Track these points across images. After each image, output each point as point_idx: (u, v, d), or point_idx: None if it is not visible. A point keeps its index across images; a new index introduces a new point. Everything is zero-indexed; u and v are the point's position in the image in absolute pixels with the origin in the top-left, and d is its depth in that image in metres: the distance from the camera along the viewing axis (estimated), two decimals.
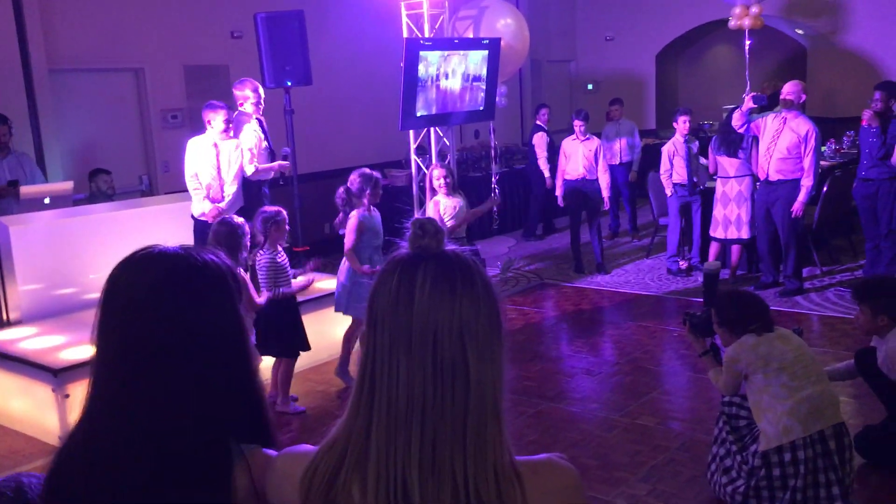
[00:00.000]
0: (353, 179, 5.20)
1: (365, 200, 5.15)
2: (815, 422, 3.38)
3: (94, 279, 5.81)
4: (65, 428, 4.51)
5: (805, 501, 3.36)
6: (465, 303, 1.09)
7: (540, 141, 9.48)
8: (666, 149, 7.67)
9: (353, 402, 1.13)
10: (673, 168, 7.58)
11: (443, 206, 5.97)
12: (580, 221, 8.12)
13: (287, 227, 4.94)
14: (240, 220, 4.57)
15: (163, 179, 8.07)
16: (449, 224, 5.91)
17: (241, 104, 6.41)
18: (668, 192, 7.64)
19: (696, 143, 7.73)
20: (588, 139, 7.98)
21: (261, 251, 4.81)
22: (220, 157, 6.01)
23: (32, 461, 4.44)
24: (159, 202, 6.58)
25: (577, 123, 7.99)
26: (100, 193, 7.01)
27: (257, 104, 6.41)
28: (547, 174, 9.19)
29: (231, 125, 6.03)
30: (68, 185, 6.47)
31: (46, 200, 6.07)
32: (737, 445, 3.60)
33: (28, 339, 5.18)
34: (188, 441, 1.25)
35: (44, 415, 4.69)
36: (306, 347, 5.01)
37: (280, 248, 4.90)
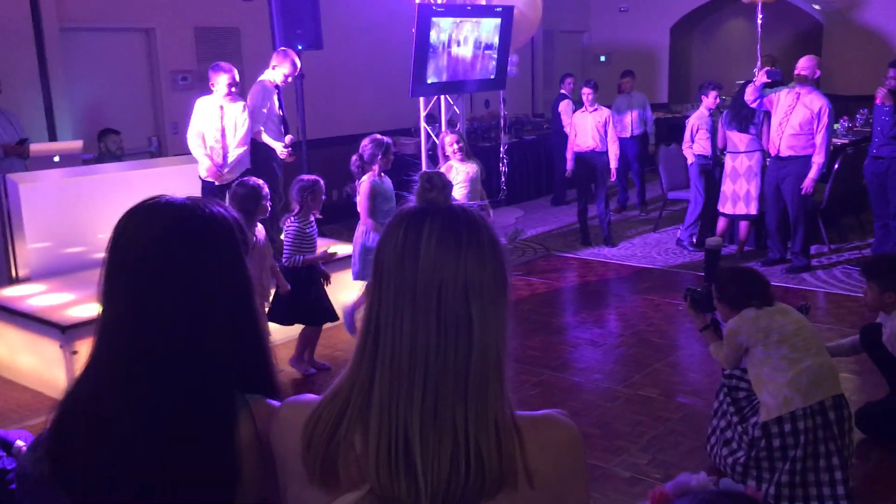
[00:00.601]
0: (365, 145, 5.18)
1: (376, 167, 5.14)
2: (814, 393, 3.40)
3: (102, 238, 5.72)
4: (66, 389, 4.55)
5: (805, 472, 3.38)
6: (470, 258, 1.09)
7: (566, 108, 9.58)
8: (690, 122, 7.60)
9: (357, 354, 1.14)
10: (695, 142, 7.52)
11: (455, 171, 5.96)
12: (588, 193, 8.09)
13: (323, 196, 4.91)
14: (259, 181, 4.54)
15: (172, 141, 8.06)
16: (463, 190, 5.91)
17: (274, 67, 6.35)
18: (690, 160, 7.59)
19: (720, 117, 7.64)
20: (597, 109, 7.89)
21: (291, 217, 4.81)
22: (225, 119, 5.98)
23: (39, 416, 4.49)
24: (169, 163, 6.58)
25: (586, 91, 7.90)
26: (108, 153, 7.01)
27: (287, 76, 6.34)
28: None
29: (235, 89, 5.98)
30: (78, 144, 6.48)
31: (56, 159, 6.09)
32: (737, 417, 3.62)
33: (37, 296, 5.22)
34: (193, 391, 1.26)
35: (52, 370, 4.74)
36: (333, 318, 5.01)
37: (312, 219, 4.88)
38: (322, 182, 4.91)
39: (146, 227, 1.30)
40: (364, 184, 5.12)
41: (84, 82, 7.55)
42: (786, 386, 3.40)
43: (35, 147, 6.18)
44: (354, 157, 5.20)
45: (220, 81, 5.89)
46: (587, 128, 7.87)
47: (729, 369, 3.72)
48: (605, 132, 7.85)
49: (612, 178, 8.03)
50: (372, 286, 1.14)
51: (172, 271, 1.27)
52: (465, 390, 1.08)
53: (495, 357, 1.10)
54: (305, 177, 4.93)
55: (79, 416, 1.31)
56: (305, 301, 4.84)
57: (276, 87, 6.39)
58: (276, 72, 6.32)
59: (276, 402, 1.33)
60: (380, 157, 5.11)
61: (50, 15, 7.06)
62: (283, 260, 4.82)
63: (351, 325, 5.26)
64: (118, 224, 1.33)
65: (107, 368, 1.30)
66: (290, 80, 6.42)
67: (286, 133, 6.56)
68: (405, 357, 1.08)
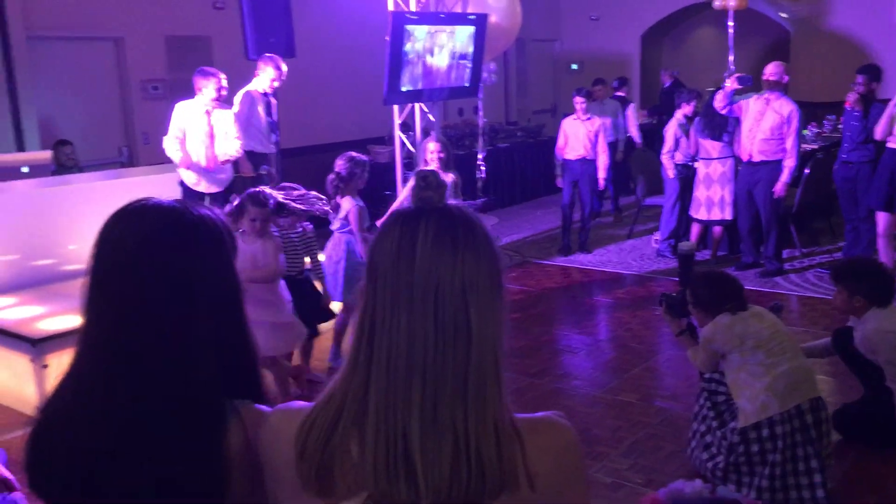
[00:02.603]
0: (343, 165, 5.07)
1: (355, 186, 5.10)
2: (792, 397, 3.42)
3: (73, 250, 5.73)
4: (43, 398, 4.46)
5: (784, 476, 3.40)
6: (467, 257, 1.07)
7: (633, 112, 9.88)
8: (671, 129, 7.57)
9: (352, 358, 1.11)
10: (678, 150, 7.51)
11: None
12: (573, 202, 8.03)
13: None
14: (272, 192, 4.43)
15: (143, 151, 7.96)
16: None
17: (258, 74, 6.28)
18: (671, 173, 7.55)
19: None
20: (589, 119, 7.85)
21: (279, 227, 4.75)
22: (214, 124, 5.89)
23: (10, 431, 4.39)
24: (140, 173, 6.50)
25: (579, 100, 7.81)
26: (60, 166, 6.82)
27: (273, 81, 6.26)
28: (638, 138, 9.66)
29: (224, 93, 5.90)
30: (46, 155, 6.39)
31: (25, 169, 5.98)
32: (717, 422, 3.63)
33: (6, 310, 5.10)
34: (181, 397, 1.23)
35: (22, 385, 4.63)
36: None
37: (299, 227, 4.87)
38: (302, 189, 4.84)
39: (133, 230, 1.27)
40: (353, 207, 5.01)
41: (52, 92, 7.44)
42: (763, 392, 3.41)
43: (2, 157, 6.07)
44: (331, 176, 5.11)
45: (209, 86, 5.79)
46: (579, 136, 7.80)
47: (708, 374, 3.74)
48: (596, 141, 7.84)
49: (601, 187, 8.03)
50: (366, 288, 1.11)
51: (159, 276, 1.25)
52: (464, 393, 1.06)
53: (493, 359, 1.09)
54: (286, 185, 4.88)
55: (59, 427, 1.28)
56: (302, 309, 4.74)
57: (265, 94, 6.33)
58: (262, 78, 6.27)
59: (265, 408, 1.31)
60: (358, 174, 5.07)
61: (17, 23, 6.96)
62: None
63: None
64: (104, 227, 1.30)
65: (89, 377, 1.27)
66: (277, 84, 6.35)
67: (275, 140, 6.52)
68: (402, 360, 1.06)
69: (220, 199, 5.95)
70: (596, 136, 7.83)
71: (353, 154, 5.14)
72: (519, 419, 1.12)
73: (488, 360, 1.08)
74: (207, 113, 5.85)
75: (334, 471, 1.08)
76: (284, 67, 6.35)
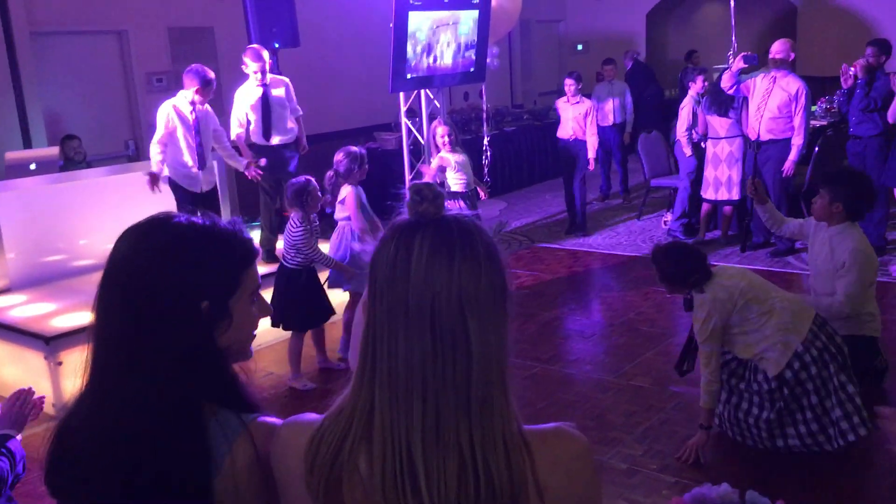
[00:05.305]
0: (340, 160, 5.13)
1: (352, 180, 5.13)
2: (801, 323, 3.57)
3: (83, 245, 5.75)
4: (58, 395, 4.50)
5: (822, 403, 3.52)
6: (464, 269, 1.05)
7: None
8: (686, 108, 7.51)
9: (358, 374, 1.11)
10: (695, 126, 7.43)
11: (451, 161, 6.13)
12: (573, 182, 8.05)
13: (319, 194, 4.89)
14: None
15: (149, 144, 7.94)
16: (463, 177, 6.26)
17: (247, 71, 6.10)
18: (688, 152, 7.49)
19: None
20: (579, 102, 7.88)
21: (293, 222, 4.76)
22: (199, 122, 5.73)
23: (28, 429, 4.42)
24: (146, 168, 6.47)
25: (569, 82, 7.91)
26: (68, 160, 6.81)
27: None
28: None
29: (207, 96, 5.69)
30: (54, 151, 6.39)
31: (32, 166, 5.98)
32: (735, 379, 3.73)
33: (19, 307, 5.15)
34: (157, 409, 1.22)
35: (36, 382, 4.58)
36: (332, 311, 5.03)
37: (315, 219, 4.92)
38: (314, 181, 4.88)
39: (122, 247, 1.30)
40: (350, 196, 5.08)
41: (57, 87, 7.44)
42: (777, 333, 3.54)
43: (11, 155, 6.08)
44: (329, 173, 5.17)
45: (190, 90, 5.60)
46: (567, 117, 7.89)
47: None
48: (585, 123, 7.84)
49: (591, 168, 8.00)
50: (368, 304, 1.10)
51: (131, 291, 1.26)
52: (467, 407, 1.05)
53: (497, 371, 1.07)
54: (296, 179, 4.90)
55: (73, 438, 1.31)
56: (306, 302, 4.85)
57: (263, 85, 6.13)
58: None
59: (276, 421, 1.30)
60: (356, 169, 5.10)
61: (20, 20, 6.94)
62: (289, 262, 4.81)
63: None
64: (117, 240, 1.34)
65: (87, 388, 1.31)
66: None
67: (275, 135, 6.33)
68: (402, 376, 1.05)
69: (214, 197, 5.90)
70: (585, 118, 7.84)
71: (351, 148, 5.20)
72: (528, 431, 1.10)
73: (492, 373, 1.06)
74: (193, 111, 5.65)
75: (343, 486, 1.08)
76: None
